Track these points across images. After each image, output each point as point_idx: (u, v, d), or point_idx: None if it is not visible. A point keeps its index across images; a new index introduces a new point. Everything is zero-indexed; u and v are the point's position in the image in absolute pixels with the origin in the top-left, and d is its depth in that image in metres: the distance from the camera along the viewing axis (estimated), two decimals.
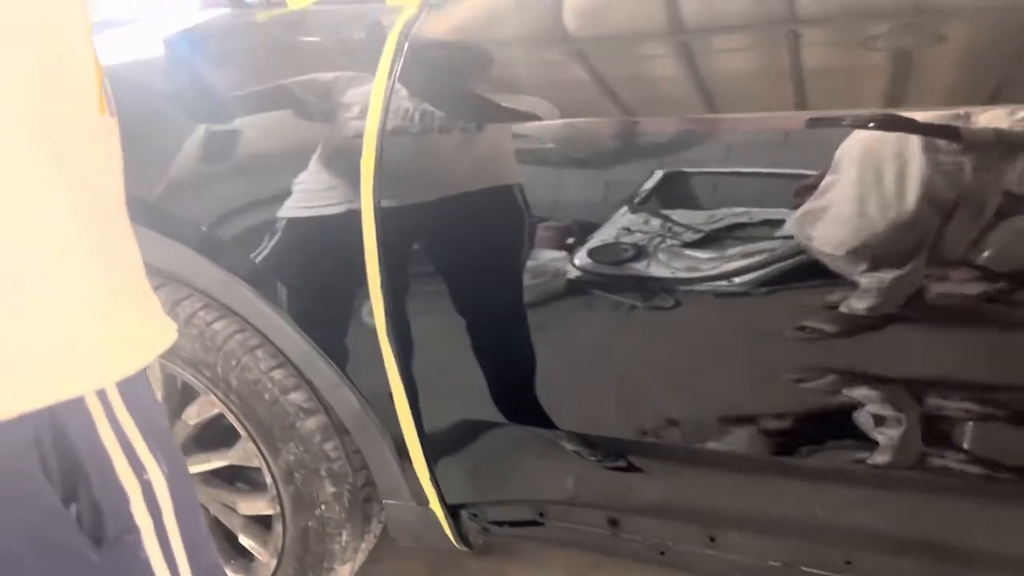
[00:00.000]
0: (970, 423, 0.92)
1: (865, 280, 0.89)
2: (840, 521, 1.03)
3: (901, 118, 0.85)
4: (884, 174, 0.88)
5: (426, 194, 1.07)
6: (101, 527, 0.59)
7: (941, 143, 0.85)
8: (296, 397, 1.24)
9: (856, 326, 0.92)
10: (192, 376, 1.27)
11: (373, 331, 1.12)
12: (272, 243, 1.16)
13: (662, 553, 1.15)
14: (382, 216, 1.07)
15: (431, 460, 1.19)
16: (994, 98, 0.84)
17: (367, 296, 1.11)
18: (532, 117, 1.02)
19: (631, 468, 1.11)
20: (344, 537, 1.31)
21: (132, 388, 0.61)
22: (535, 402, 1.10)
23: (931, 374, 0.93)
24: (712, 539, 1.11)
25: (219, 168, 1.21)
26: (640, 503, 1.14)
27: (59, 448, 0.57)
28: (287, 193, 1.13)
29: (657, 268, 0.98)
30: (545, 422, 1.11)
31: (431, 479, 1.21)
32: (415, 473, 1.21)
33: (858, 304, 0.91)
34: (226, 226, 1.19)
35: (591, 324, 1.04)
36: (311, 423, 1.25)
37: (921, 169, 0.86)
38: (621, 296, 1.02)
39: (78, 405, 0.58)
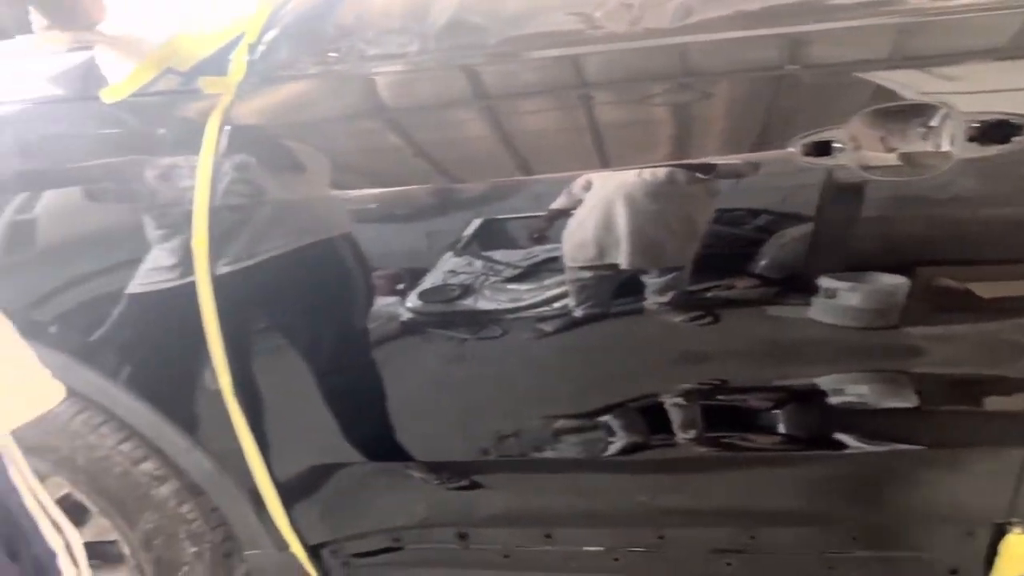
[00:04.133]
0: (745, 409, 1.14)
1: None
2: (656, 504, 1.22)
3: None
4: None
5: (258, 259, 1.17)
6: None
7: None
8: (147, 467, 1.28)
9: (645, 329, 1.11)
10: (37, 461, 1.28)
11: (218, 394, 1.19)
12: (109, 322, 1.21)
13: (506, 556, 1.29)
14: (218, 284, 1.15)
15: (288, 506, 1.27)
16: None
17: (210, 361, 1.18)
18: (355, 184, 1.14)
19: (475, 485, 1.25)
20: None
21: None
22: (383, 438, 1.21)
23: (710, 371, 1.14)
24: (548, 536, 1.27)
25: (35, 253, 1.24)
26: (485, 515, 1.28)
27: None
28: (115, 272, 1.19)
29: (483, 302, 1.13)
30: (393, 455, 1.22)
31: (289, 524, 1.29)
32: (273, 521, 1.28)
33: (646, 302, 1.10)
34: (50, 309, 1.23)
35: (427, 359, 1.18)
36: (165, 489, 1.29)
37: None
38: (453, 331, 1.16)
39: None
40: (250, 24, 1.14)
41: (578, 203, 1.09)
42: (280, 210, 1.16)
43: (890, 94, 1.01)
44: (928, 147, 0.99)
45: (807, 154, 1.01)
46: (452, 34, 1.12)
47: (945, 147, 0.99)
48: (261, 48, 1.14)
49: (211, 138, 1.14)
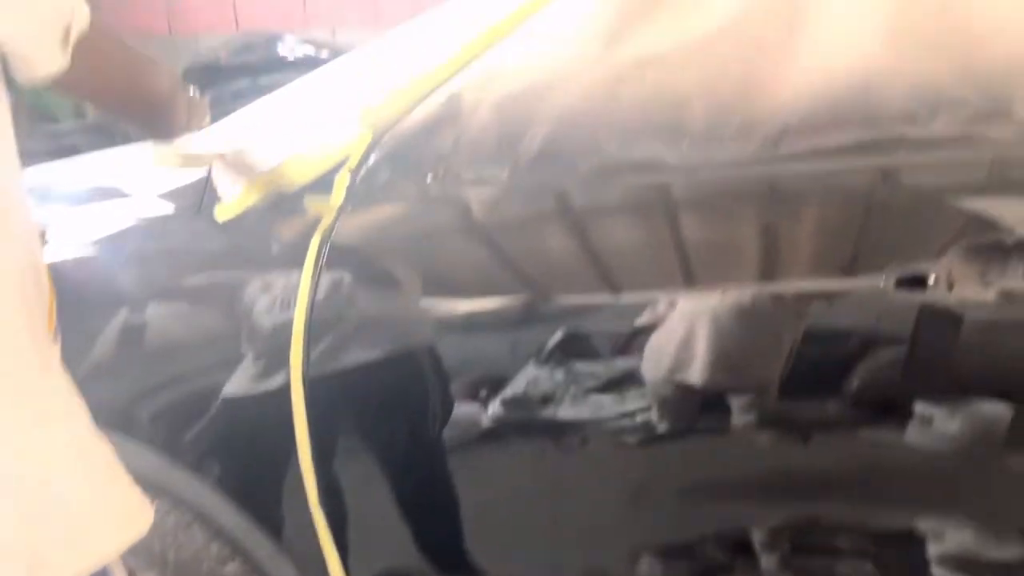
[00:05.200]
0: None
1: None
2: None
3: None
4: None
5: (349, 369, 1.21)
6: None
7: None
8: (232, 568, 1.31)
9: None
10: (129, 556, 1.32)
11: (305, 501, 1.22)
12: (203, 423, 1.27)
13: None
14: (310, 392, 1.19)
15: None
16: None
17: (298, 468, 1.22)
18: (445, 294, 1.19)
19: None
20: None
21: None
22: (464, 552, 1.22)
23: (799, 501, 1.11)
24: None
25: (141, 353, 1.32)
26: None
27: None
28: (212, 374, 1.26)
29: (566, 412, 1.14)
30: (475, 572, 1.22)
31: None
32: None
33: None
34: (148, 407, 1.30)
35: (511, 471, 1.19)
36: None
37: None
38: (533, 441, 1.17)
39: None
40: (353, 149, 1.21)
41: (662, 320, 1.10)
42: (372, 322, 1.21)
43: (988, 225, 1.00)
44: None
45: (900, 286, 1.01)
46: (543, 161, 1.17)
47: None
48: (363, 172, 1.21)
49: (312, 255, 1.20)
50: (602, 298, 1.14)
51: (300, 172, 1.24)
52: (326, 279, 1.20)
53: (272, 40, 4.18)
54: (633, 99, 1.11)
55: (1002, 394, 1.01)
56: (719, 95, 1.08)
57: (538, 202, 1.20)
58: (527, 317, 1.17)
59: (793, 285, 1.09)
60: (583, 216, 1.20)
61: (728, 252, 1.14)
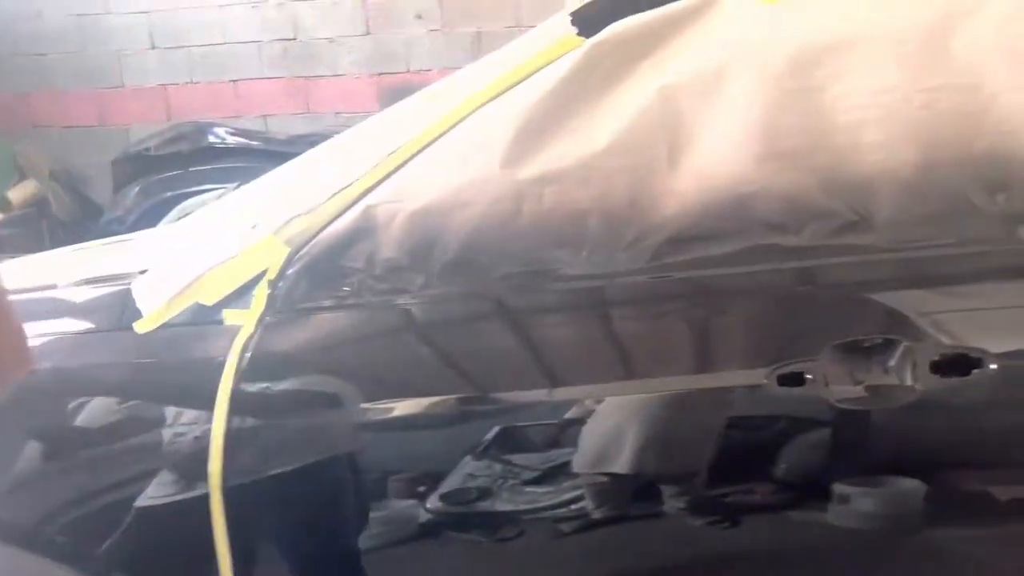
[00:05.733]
0: None
1: None
2: None
3: None
4: None
5: (271, 480, 1.23)
6: None
7: None
8: None
9: None
10: None
11: None
12: (117, 536, 1.26)
13: None
14: (230, 503, 1.21)
15: None
16: None
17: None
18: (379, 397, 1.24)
19: None
20: None
21: None
22: None
23: None
24: None
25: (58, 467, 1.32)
26: None
27: None
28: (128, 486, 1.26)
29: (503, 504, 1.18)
30: None
31: None
32: None
33: None
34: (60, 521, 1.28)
35: (449, 566, 1.22)
36: None
37: None
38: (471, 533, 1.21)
39: None
40: (272, 262, 1.26)
41: (591, 413, 1.18)
42: (295, 430, 1.25)
43: (855, 326, 1.10)
44: (892, 380, 1.07)
45: (782, 384, 1.09)
46: (457, 270, 1.24)
47: (908, 381, 1.06)
48: (282, 284, 1.26)
49: (232, 365, 1.23)
50: (533, 394, 1.21)
51: (219, 285, 1.28)
52: (246, 388, 1.23)
53: (202, 130, 4.22)
54: (535, 214, 1.19)
55: (916, 473, 1.11)
56: (612, 209, 1.17)
57: (453, 309, 1.27)
58: (462, 416, 1.23)
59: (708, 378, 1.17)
60: (497, 320, 1.27)
61: (636, 351, 1.22)
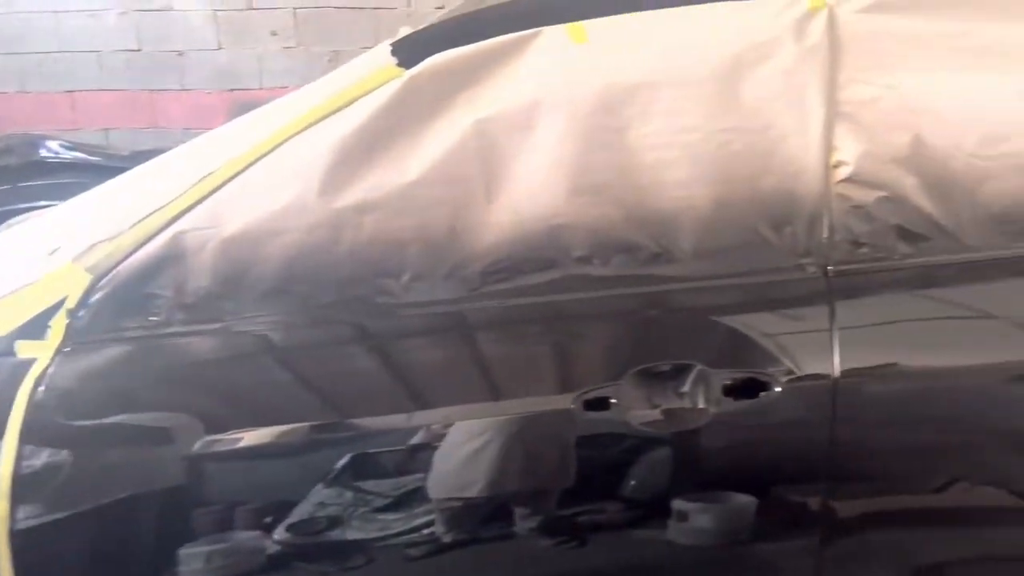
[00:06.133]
0: None
1: None
2: None
3: None
4: None
5: (68, 521, 1.16)
6: None
7: None
8: None
9: None
10: None
11: None
12: None
13: None
14: (17, 549, 1.12)
15: None
16: None
17: None
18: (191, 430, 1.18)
19: None
20: None
21: None
22: None
23: None
24: None
25: None
26: None
27: None
28: None
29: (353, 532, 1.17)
30: None
31: None
32: None
33: None
34: None
35: None
36: None
37: None
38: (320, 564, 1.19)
39: None
40: (71, 290, 1.19)
41: (438, 437, 1.18)
42: (94, 467, 1.18)
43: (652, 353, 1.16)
44: (686, 404, 1.13)
45: (588, 408, 1.13)
46: (271, 299, 1.21)
47: (702, 404, 1.13)
48: (82, 313, 1.19)
49: (23, 399, 1.15)
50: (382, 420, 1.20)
51: (12, 313, 1.19)
52: (38, 425, 1.15)
53: (33, 142, 3.94)
54: (354, 243, 1.19)
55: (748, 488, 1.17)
56: (431, 239, 1.19)
57: (263, 339, 1.24)
58: (313, 443, 1.20)
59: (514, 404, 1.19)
60: (309, 349, 1.25)
61: (461, 377, 1.23)
